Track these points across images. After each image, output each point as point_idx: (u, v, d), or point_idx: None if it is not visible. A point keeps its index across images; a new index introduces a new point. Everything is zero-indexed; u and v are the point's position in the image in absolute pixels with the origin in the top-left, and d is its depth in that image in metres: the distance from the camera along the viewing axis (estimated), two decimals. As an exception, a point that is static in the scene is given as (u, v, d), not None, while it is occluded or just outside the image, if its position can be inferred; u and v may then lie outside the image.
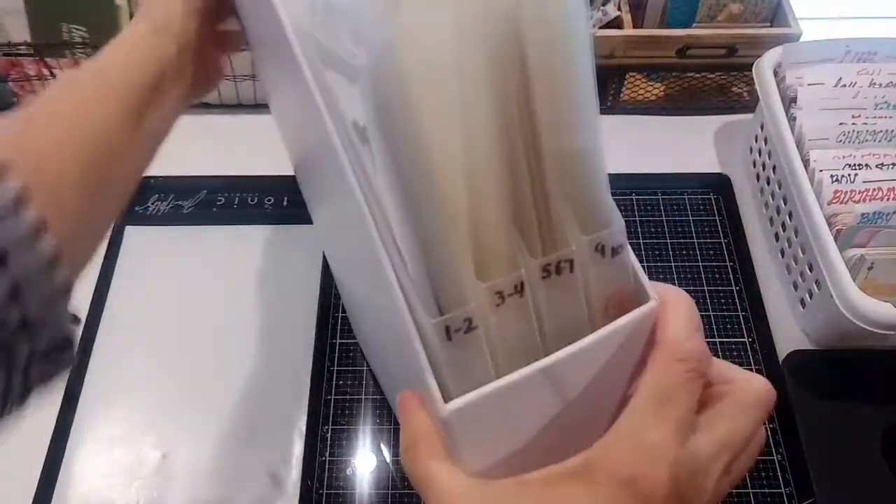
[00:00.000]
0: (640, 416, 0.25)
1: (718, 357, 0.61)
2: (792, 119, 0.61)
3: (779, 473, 0.54)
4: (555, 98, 0.23)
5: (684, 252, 0.65)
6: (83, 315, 0.62)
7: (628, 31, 0.70)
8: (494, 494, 0.25)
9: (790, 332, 0.61)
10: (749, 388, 0.27)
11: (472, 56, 0.22)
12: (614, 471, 0.24)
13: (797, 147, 0.59)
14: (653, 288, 0.27)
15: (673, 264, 0.64)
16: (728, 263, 0.64)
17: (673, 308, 0.27)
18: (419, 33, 0.20)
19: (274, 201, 0.68)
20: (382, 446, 0.55)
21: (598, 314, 0.26)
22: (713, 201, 0.69)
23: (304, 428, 0.55)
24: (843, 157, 0.58)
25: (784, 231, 0.62)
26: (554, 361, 0.25)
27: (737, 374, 0.28)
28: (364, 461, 0.54)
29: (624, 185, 0.69)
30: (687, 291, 0.66)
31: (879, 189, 0.57)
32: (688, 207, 0.68)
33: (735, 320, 0.61)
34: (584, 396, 0.26)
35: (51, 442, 0.55)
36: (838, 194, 0.56)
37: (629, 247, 0.25)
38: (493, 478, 0.25)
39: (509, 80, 0.23)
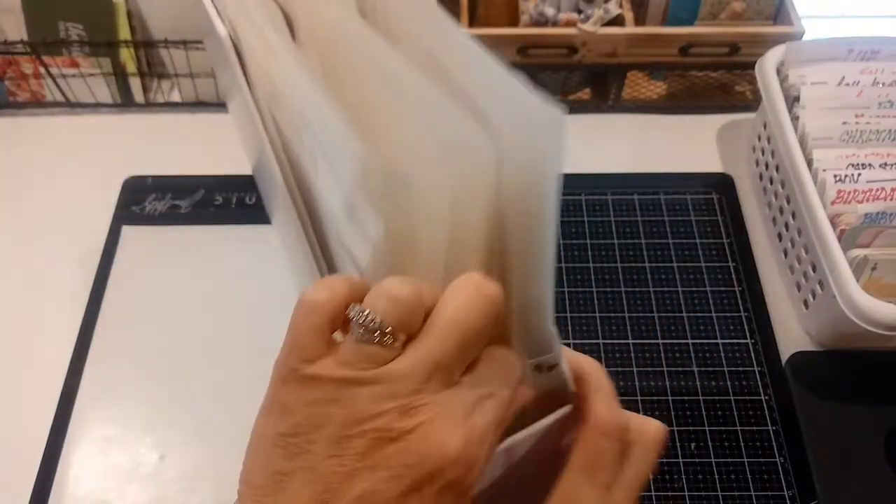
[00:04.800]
0: (575, 485, 0.29)
1: (718, 358, 0.61)
2: (795, 118, 0.61)
3: (781, 476, 0.53)
4: (521, 261, 0.27)
5: (686, 252, 0.65)
6: (80, 315, 0.62)
7: (630, 28, 0.69)
8: None
9: (793, 333, 0.60)
10: (648, 434, 0.31)
11: (466, 217, 0.25)
12: None
13: (800, 146, 0.59)
14: (567, 361, 0.31)
15: (675, 265, 0.64)
16: (730, 264, 0.64)
17: (594, 383, 0.31)
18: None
19: (272, 201, 0.67)
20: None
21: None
22: (715, 201, 0.68)
23: (302, 429, 0.55)
24: (847, 157, 0.58)
25: (787, 231, 0.62)
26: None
27: (633, 419, 0.32)
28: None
29: (625, 185, 0.69)
30: (689, 292, 0.66)
31: (883, 189, 0.56)
32: (690, 207, 0.68)
33: (737, 321, 0.61)
34: (516, 469, 0.32)
35: (47, 443, 0.55)
36: (842, 194, 0.56)
37: (564, 362, 0.31)
38: None
39: (493, 241, 0.27)
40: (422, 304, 0.24)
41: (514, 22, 0.71)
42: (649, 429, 0.32)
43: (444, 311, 0.24)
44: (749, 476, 0.53)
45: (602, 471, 0.29)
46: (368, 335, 0.24)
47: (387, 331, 0.24)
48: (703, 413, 0.56)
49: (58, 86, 0.73)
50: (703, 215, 0.67)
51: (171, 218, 0.67)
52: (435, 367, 0.24)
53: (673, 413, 0.56)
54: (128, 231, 0.66)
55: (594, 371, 0.32)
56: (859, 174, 0.57)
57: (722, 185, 0.69)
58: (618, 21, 0.70)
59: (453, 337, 0.24)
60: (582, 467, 0.30)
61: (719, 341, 0.60)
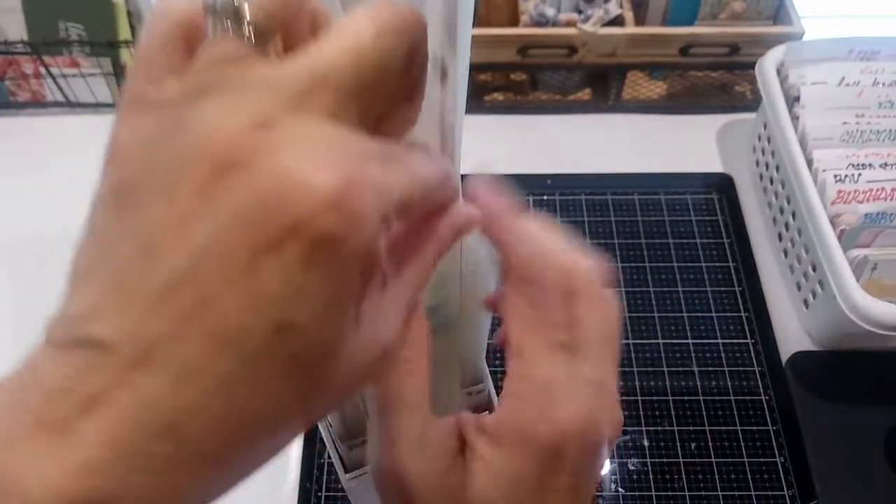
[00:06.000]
0: (528, 358, 0.24)
1: (718, 357, 0.60)
2: (795, 118, 0.61)
3: (781, 475, 0.53)
4: (464, 334, 0.33)
5: (686, 252, 0.65)
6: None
7: (630, 29, 0.69)
8: None
9: (793, 334, 0.60)
10: (579, 276, 0.24)
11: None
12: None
13: (800, 146, 0.59)
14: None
15: (675, 265, 0.64)
16: (731, 264, 0.64)
17: (499, 215, 0.26)
18: None
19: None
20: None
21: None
22: (715, 201, 0.68)
23: (302, 429, 0.55)
24: (847, 157, 0.58)
25: (787, 231, 0.61)
26: None
27: (560, 259, 0.25)
28: (363, 463, 0.54)
29: (625, 185, 0.69)
30: (689, 292, 0.66)
31: (883, 189, 0.56)
32: (690, 207, 0.68)
33: (737, 321, 0.61)
34: None
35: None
36: (842, 194, 0.56)
37: (491, 384, 0.38)
38: None
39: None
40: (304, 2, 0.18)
41: (514, 22, 0.71)
42: (579, 269, 0.24)
43: (342, 23, 0.17)
44: (749, 476, 0.53)
45: (549, 330, 0.24)
46: (223, 22, 0.17)
47: (252, 23, 0.17)
48: (703, 413, 0.56)
49: (58, 86, 0.73)
50: (703, 215, 0.67)
51: (171, 218, 0.66)
52: (319, 80, 0.17)
53: (673, 413, 0.56)
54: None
55: (491, 200, 0.25)
56: (859, 174, 0.57)
57: (722, 185, 0.69)
58: (618, 21, 0.70)
59: (351, 50, 0.17)
60: (524, 331, 0.24)
61: (719, 341, 0.60)
